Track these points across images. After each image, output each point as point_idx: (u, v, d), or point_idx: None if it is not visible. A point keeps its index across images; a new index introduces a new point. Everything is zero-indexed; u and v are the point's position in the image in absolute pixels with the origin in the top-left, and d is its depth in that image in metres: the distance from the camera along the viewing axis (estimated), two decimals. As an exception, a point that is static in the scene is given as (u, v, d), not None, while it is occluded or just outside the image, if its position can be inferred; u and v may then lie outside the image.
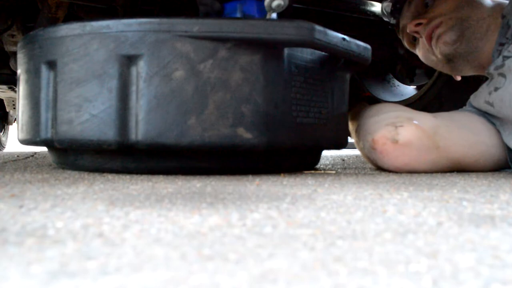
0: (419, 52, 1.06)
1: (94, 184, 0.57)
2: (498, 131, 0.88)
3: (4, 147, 3.33)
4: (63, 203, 0.42)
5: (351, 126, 1.00)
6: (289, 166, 0.82)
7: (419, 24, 0.99)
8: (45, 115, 0.75)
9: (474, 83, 1.16)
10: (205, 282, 0.20)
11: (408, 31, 1.03)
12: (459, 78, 1.17)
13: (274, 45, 0.71)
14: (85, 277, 0.21)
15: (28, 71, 0.78)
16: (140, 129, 0.69)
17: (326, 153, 1.99)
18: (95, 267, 0.23)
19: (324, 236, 0.30)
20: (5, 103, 2.69)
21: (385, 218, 0.36)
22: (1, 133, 3.27)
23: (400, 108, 0.89)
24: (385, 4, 1.12)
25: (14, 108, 2.71)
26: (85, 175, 0.71)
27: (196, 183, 0.59)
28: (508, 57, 0.87)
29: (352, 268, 0.23)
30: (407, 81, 1.55)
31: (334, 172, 0.84)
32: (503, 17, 0.93)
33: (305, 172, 0.82)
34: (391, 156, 0.80)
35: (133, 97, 0.69)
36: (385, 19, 1.15)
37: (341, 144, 0.88)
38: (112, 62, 0.69)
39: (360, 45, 0.81)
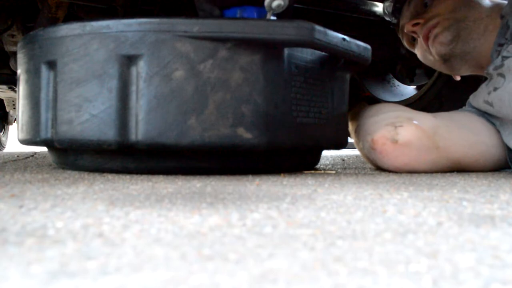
0: (417, 51, 1.06)
1: (94, 184, 0.57)
2: (498, 131, 0.88)
3: (4, 147, 3.33)
4: (63, 203, 0.42)
5: (350, 126, 1.00)
6: (289, 166, 0.82)
7: (417, 24, 1.00)
8: (45, 115, 0.75)
9: (474, 83, 1.16)
10: (205, 282, 0.20)
11: (405, 31, 1.03)
12: (458, 78, 1.17)
13: (274, 45, 0.71)
14: (85, 277, 0.21)
15: (28, 71, 0.78)
16: (140, 129, 0.69)
17: (326, 153, 1.99)
18: (95, 267, 0.23)
19: (324, 236, 0.30)
20: (5, 103, 2.69)
21: (385, 218, 0.36)
22: (1, 133, 3.27)
23: (400, 108, 0.89)
24: (387, 3, 1.12)
25: (14, 108, 2.71)
26: (85, 175, 0.71)
27: (196, 183, 0.59)
28: (507, 57, 0.87)
29: (352, 268, 0.23)
30: (407, 81, 1.55)
31: (334, 172, 0.84)
32: (502, 17, 0.93)
33: (305, 172, 0.82)
34: (391, 156, 0.80)
35: (133, 97, 0.69)
36: (387, 18, 1.15)
37: (341, 144, 0.88)
38: (112, 62, 0.69)
39: (360, 45, 0.81)
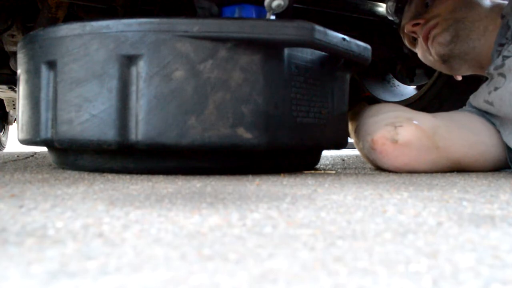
0: (418, 51, 1.06)
1: (94, 184, 0.57)
2: (498, 131, 0.88)
3: (4, 147, 3.33)
4: (63, 203, 0.42)
5: (350, 127, 1.00)
6: (289, 166, 0.82)
7: (417, 24, 1.00)
8: (45, 115, 0.75)
9: (474, 83, 1.16)
10: (205, 282, 0.20)
11: (406, 31, 1.03)
12: (459, 78, 1.17)
13: (274, 45, 0.71)
14: (85, 277, 0.21)
15: (28, 71, 0.78)
16: (140, 129, 0.69)
17: (326, 153, 1.99)
18: (95, 267, 0.23)
19: (324, 236, 0.30)
20: (5, 103, 2.69)
21: (385, 218, 0.36)
22: (1, 133, 3.27)
23: (400, 108, 0.89)
24: (390, 3, 1.13)
25: (14, 108, 2.71)
26: (85, 175, 0.71)
27: (196, 183, 0.59)
28: (508, 57, 0.87)
29: (352, 268, 0.23)
30: (407, 81, 1.55)
31: (334, 172, 0.84)
32: (503, 17, 0.93)
33: (305, 172, 0.82)
34: (391, 156, 0.80)
35: (133, 97, 0.69)
36: (390, 18, 1.16)
37: (341, 144, 0.88)
38: (112, 62, 0.69)
39: (360, 45, 0.81)
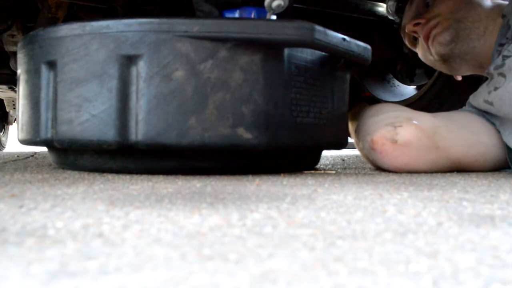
0: (419, 51, 1.07)
1: (94, 184, 0.57)
2: (498, 131, 0.88)
3: (4, 147, 3.33)
4: (63, 203, 0.42)
5: (350, 127, 1.00)
6: (289, 166, 0.82)
7: (418, 24, 1.00)
8: (45, 115, 0.75)
9: (474, 83, 1.16)
10: (205, 282, 0.20)
11: (407, 31, 1.03)
12: (459, 78, 1.17)
13: (274, 45, 0.71)
14: (85, 277, 0.21)
15: (28, 71, 0.78)
16: (140, 129, 0.69)
17: (326, 153, 1.99)
18: (95, 267, 0.23)
19: (324, 236, 0.30)
20: (5, 103, 2.69)
21: (385, 218, 0.36)
22: (1, 133, 3.27)
23: (400, 108, 0.89)
24: (390, 3, 1.13)
25: (14, 108, 2.72)
26: (85, 175, 0.71)
27: (196, 183, 0.59)
28: (508, 57, 0.87)
29: (352, 268, 0.23)
30: (407, 81, 1.55)
31: (334, 172, 0.84)
32: (503, 16, 0.93)
33: (305, 172, 0.82)
34: (391, 156, 0.80)
35: (133, 97, 0.69)
36: (390, 17, 1.16)
37: (341, 144, 0.88)
38: (112, 62, 0.69)
39: (360, 45, 0.81)
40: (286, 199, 0.46)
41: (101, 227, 0.32)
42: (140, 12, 1.17)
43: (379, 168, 0.86)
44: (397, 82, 1.61)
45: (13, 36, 1.35)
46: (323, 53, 0.79)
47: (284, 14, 0.78)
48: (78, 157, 0.78)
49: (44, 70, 0.75)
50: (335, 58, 0.82)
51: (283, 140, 0.73)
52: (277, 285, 0.20)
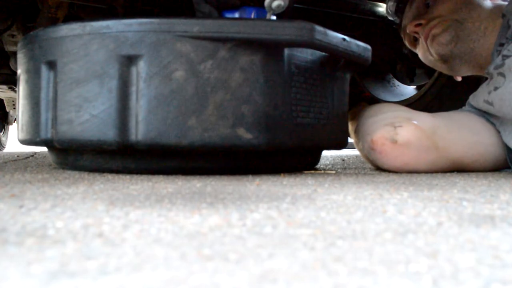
0: (419, 52, 1.07)
1: (94, 184, 0.57)
2: (498, 131, 0.88)
3: (4, 147, 3.33)
4: (63, 203, 0.42)
5: (350, 127, 1.00)
6: (289, 166, 0.82)
7: (419, 24, 1.00)
8: (45, 115, 0.75)
9: (474, 83, 1.16)
10: (205, 282, 0.20)
11: (407, 31, 1.03)
12: (459, 79, 1.17)
13: (274, 45, 0.71)
14: (85, 277, 0.21)
15: (28, 71, 0.78)
16: (140, 129, 0.69)
17: (326, 153, 1.99)
18: (95, 267, 0.23)
19: (324, 236, 0.30)
20: (5, 103, 2.70)
21: (385, 218, 0.36)
22: (1, 133, 3.27)
23: (399, 108, 0.89)
24: (390, 3, 1.13)
25: (14, 108, 2.72)
26: (85, 175, 0.71)
27: (196, 183, 0.59)
28: (507, 56, 0.87)
29: (352, 268, 0.23)
30: (407, 81, 1.55)
31: (334, 172, 0.84)
32: (503, 16, 0.93)
33: (305, 172, 0.82)
34: (390, 156, 0.80)
35: (133, 97, 0.69)
36: (390, 18, 1.16)
37: (341, 144, 0.88)
38: (112, 62, 0.69)
39: (360, 46, 0.81)
40: (286, 199, 0.46)
41: (101, 227, 0.32)
42: (140, 12, 1.17)
43: (379, 168, 0.86)
44: (397, 82, 1.61)
45: (13, 36, 1.35)
46: (323, 53, 0.79)
47: (284, 14, 0.78)
48: (78, 157, 0.78)
49: (44, 70, 0.75)
50: (335, 58, 0.82)
51: (283, 140, 0.73)
52: (277, 285, 0.20)
